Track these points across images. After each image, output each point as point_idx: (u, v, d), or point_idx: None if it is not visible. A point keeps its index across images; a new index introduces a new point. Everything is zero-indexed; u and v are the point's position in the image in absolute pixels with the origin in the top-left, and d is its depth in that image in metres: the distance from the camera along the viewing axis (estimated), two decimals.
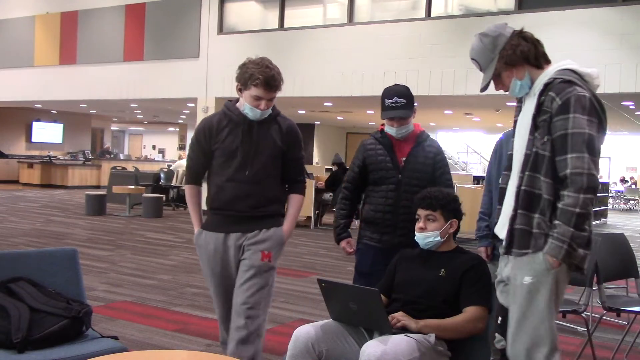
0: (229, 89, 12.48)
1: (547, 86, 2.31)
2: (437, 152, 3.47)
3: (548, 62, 2.43)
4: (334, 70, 11.92)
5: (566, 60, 2.40)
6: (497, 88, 2.51)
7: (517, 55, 2.40)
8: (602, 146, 2.31)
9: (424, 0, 11.40)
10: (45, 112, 22.26)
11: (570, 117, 2.22)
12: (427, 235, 2.84)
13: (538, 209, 2.29)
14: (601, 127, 2.30)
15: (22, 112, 21.62)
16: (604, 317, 4.27)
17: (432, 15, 11.33)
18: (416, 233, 2.89)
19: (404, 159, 3.40)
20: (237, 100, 3.15)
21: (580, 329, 4.96)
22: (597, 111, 2.28)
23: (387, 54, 11.39)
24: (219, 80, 13.26)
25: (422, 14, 11.43)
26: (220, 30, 13.62)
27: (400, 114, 3.33)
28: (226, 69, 12.76)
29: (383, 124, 3.50)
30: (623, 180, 23.82)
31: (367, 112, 16.51)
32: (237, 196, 3.08)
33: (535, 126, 2.33)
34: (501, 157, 3.51)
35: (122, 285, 6.07)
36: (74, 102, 17.68)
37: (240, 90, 3.05)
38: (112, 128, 29.76)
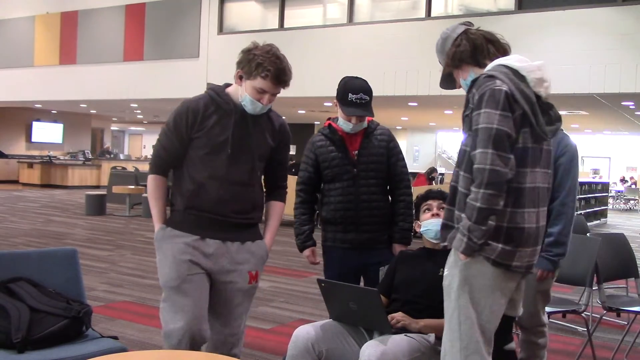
0: None
1: (474, 82, 2.32)
2: (389, 140, 3.30)
3: (492, 59, 2.38)
4: (334, 70, 11.90)
5: (510, 56, 2.35)
6: (456, 87, 2.57)
7: (452, 56, 2.44)
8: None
9: (424, 0, 11.41)
10: (45, 112, 22.26)
11: (482, 112, 2.19)
12: None
13: (457, 203, 2.30)
14: (526, 121, 2.22)
15: (22, 112, 21.61)
16: (604, 317, 4.27)
17: (432, 15, 11.34)
18: (428, 221, 2.89)
19: (356, 152, 3.23)
20: (226, 85, 2.76)
21: (580, 329, 4.96)
22: (519, 105, 2.21)
23: (387, 54, 11.39)
24: (219, 80, 12.96)
25: (422, 14, 11.44)
26: (220, 30, 13.62)
27: (365, 113, 3.16)
28: (226, 69, 12.74)
29: (330, 119, 3.35)
30: (623, 180, 23.82)
31: None
32: (222, 198, 2.65)
33: (463, 122, 2.36)
34: None
35: (122, 285, 6.07)
36: (74, 102, 17.68)
37: (240, 78, 2.64)
38: (112, 128, 29.76)
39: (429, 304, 2.71)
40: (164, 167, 2.73)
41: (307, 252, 3.30)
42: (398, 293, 2.85)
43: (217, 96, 2.68)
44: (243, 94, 2.64)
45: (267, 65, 2.55)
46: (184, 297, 2.60)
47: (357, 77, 3.25)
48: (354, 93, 3.16)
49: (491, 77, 2.24)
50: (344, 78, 3.27)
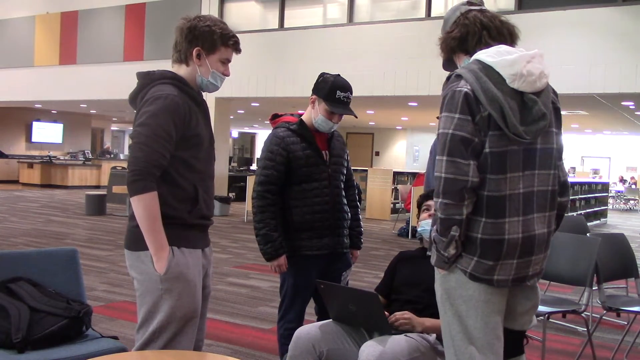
0: (229, 90, 12.47)
1: (447, 80, 2.17)
2: (344, 142, 3.27)
3: (487, 46, 2.16)
4: (334, 70, 11.82)
5: (488, 50, 2.11)
6: None
7: (442, 43, 2.28)
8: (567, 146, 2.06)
9: (424, 0, 11.41)
10: (45, 112, 22.26)
11: (442, 115, 2.07)
12: None
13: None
14: (493, 123, 2.01)
15: (22, 112, 21.62)
16: (604, 317, 4.27)
17: (432, 15, 11.33)
18: (425, 221, 2.89)
19: (326, 151, 3.11)
20: (167, 72, 2.42)
21: (580, 329, 4.96)
22: (483, 106, 2.01)
23: (387, 54, 11.39)
24: None
25: (422, 14, 11.44)
26: None
27: (353, 112, 3.07)
28: None
29: (279, 115, 3.20)
30: (622, 180, 23.81)
31: (367, 112, 16.51)
32: (211, 198, 2.49)
33: None
34: None
35: (122, 285, 6.06)
36: (74, 102, 17.68)
37: (199, 56, 2.38)
38: (112, 128, 29.74)
39: (429, 303, 2.71)
40: (155, 178, 2.25)
41: (281, 259, 3.01)
42: (398, 293, 2.85)
43: (184, 85, 2.38)
44: (207, 72, 2.41)
45: (228, 32, 2.40)
46: (195, 326, 2.39)
47: (339, 75, 3.12)
48: (343, 91, 3.03)
49: (458, 76, 2.08)
50: (327, 75, 3.11)
